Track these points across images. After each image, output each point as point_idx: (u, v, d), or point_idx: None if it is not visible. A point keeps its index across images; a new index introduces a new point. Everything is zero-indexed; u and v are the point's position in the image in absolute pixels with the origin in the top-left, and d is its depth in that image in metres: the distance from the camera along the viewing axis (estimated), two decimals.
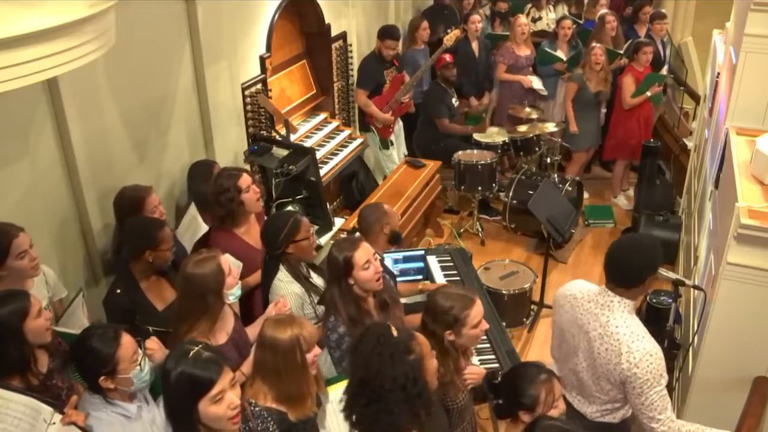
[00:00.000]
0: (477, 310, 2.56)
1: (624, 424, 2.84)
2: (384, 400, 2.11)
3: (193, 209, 3.88)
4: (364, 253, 2.86)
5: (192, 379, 2.01)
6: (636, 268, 2.61)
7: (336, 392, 2.66)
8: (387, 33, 5.80)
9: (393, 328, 2.21)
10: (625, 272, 2.62)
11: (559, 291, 2.89)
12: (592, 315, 2.66)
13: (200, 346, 2.09)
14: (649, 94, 5.91)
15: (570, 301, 2.77)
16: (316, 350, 2.43)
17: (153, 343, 2.66)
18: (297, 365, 2.35)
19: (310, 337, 2.39)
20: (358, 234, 3.55)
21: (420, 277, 4.12)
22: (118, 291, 3.15)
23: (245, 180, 3.52)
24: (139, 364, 2.37)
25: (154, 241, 3.08)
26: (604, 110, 6.42)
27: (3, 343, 2.37)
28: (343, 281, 2.87)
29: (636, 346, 2.54)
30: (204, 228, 3.73)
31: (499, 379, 2.40)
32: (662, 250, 2.70)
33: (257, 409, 2.32)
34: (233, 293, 2.80)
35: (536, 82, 6.58)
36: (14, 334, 2.38)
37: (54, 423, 2.25)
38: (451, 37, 6.05)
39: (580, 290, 2.76)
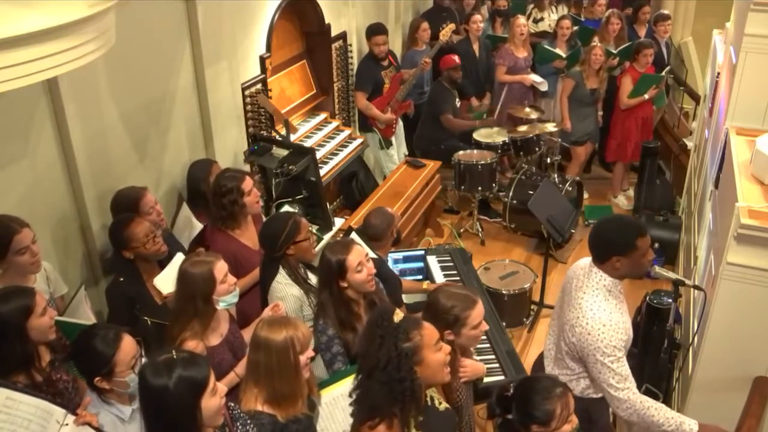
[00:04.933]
0: (478, 311, 2.56)
1: (587, 403, 2.87)
2: (371, 379, 2.16)
3: (186, 210, 3.88)
4: (356, 255, 2.86)
5: (193, 379, 2.00)
6: (604, 244, 2.72)
7: (330, 394, 2.66)
8: (372, 31, 5.81)
9: (399, 312, 2.21)
10: (594, 246, 2.76)
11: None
12: (576, 280, 2.81)
13: (173, 349, 2.07)
14: (647, 96, 5.91)
15: (571, 269, 2.93)
16: (310, 352, 2.44)
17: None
18: (290, 366, 2.36)
19: (304, 339, 2.39)
20: (354, 235, 3.55)
21: (420, 277, 4.12)
22: (122, 279, 3.20)
23: (248, 183, 3.55)
24: (134, 370, 2.34)
25: (122, 240, 3.14)
26: (600, 112, 6.43)
27: (7, 341, 2.37)
28: (334, 285, 2.87)
29: (592, 314, 2.66)
30: (198, 226, 3.74)
31: (511, 391, 2.39)
32: (639, 231, 2.72)
33: (236, 412, 2.32)
34: (225, 300, 2.78)
35: (535, 77, 6.58)
36: (18, 332, 2.38)
37: (67, 424, 2.25)
38: (446, 32, 6.06)
39: (580, 263, 2.90)
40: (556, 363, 2.91)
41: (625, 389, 2.65)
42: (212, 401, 2.03)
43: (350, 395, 2.25)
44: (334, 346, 2.87)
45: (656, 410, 2.65)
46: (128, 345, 2.34)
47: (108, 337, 2.32)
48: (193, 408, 2.00)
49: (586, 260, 2.86)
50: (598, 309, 2.66)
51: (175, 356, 2.02)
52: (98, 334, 2.33)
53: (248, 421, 2.33)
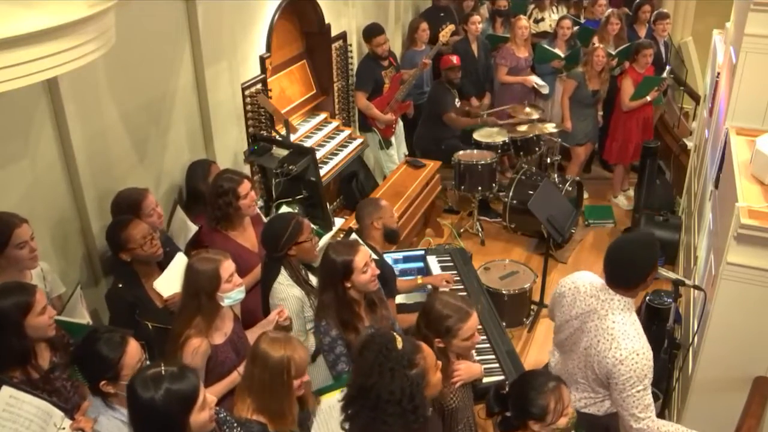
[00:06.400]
0: (471, 323, 2.55)
1: (608, 419, 2.87)
2: (379, 410, 2.13)
3: (180, 212, 3.88)
4: (362, 256, 2.87)
5: (180, 394, 1.97)
6: (636, 270, 2.67)
7: (328, 401, 2.65)
8: (370, 32, 5.81)
9: (399, 338, 2.19)
10: (626, 275, 2.68)
11: (563, 281, 2.94)
12: (592, 309, 2.73)
13: (162, 364, 2.04)
14: (649, 98, 5.92)
15: (573, 293, 2.83)
16: (305, 378, 2.42)
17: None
18: (282, 387, 2.34)
19: (301, 362, 2.37)
20: (354, 236, 3.56)
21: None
22: (120, 285, 3.19)
23: (245, 187, 3.55)
24: None
25: (119, 242, 3.13)
26: (600, 112, 6.43)
27: (3, 336, 2.37)
28: (339, 285, 2.86)
29: (625, 344, 2.60)
30: (194, 228, 3.75)
31: (507, 389, 2.39)
32: (658, 244, 2.74)
33: (222, 416, 2.31)
34: (230, 296, 2.79)
35: (537, 79, 6.60)
36: (15, 328, 2.38)
37: (64, 428, 2.25)
38: (446, 32, 6.07)
39: (584, 284, 2.82)
40: (576, 387, 2.84)
41: (646, 419, 2.61)
42: (201, 415, 2.01)
43: (342, 427, 2.24)
44: (338, 347, 2.86)
45: None
46: (134, 348, 2.34)
47: (114, 340, 2.31)
48: (182, 423, 1.97)
49: (587, 282, 2.80)
50: (629, 336, 2.61)
51: (162, 370, 1.99)
52: (102, 338, 2.31)
53: (234, 425, 2.32)
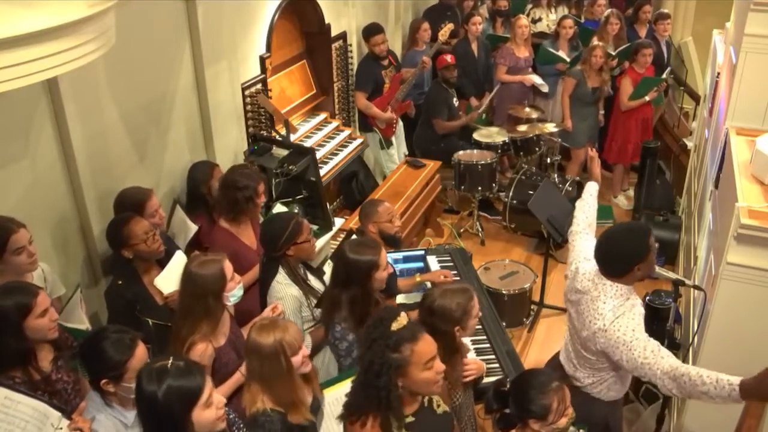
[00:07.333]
0: (476, 298, 2.67)
1: (611, 407, 2.90)
2: (357, 377, 2.20)
3: (179, 212, 3.88)
4: (384, 254, 2.92)
5: (182, 390, 1.97)
6: (622, 258, 2.70)
7: (332, 395, 2.66)
8: (369, 31, 5.81)
9: (402, 320, 2.15)
10: (612, 262, 2.73)
11: (570, 257, 3.03)
12: (587, 290, 2.79)
13: (171, 358, 2.04)
14: (648, 98, 5.92)
15: (574, 270, 2.91)
16: (304, 350, 2.43)
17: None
18: (283, 370, 2.35)
19: (294, 341, 2.38)
20: (354, 237, 3.56)
21: None
22: (120, 282, 3.19)
23: (262, 186, 3.66)
24: None
25: (121, 238, 3.13)
26: (602, 111, 6.43)
27: (1, 336, 2.36)
28: (367, 283, 2.86)
29: (608, 316, 2.65)
30: (194, 228, 3.76)
31: (508, 386, 2.40)
32: (650, 234, 2.74)
33: (231, 416, 2.31)
34: (234, 294, 2.81)
35: (536, 78, 6.60)
36: (13, 328, 2.37)
37: (61, 428, 2.24)
38: (445, 31, 6.08)
39: (584, 267, 2.87)
40: (580, 366, 2.90)
41: (661, 373, 2.48)
42: (205, 414, 2.00)
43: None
44: (355, 350, 2.85)
45: (688, 372, 2.42)
46: (142, 352, 2.34)
47: (124, 341, 2.31)
48: (183, 420, 1.97)
49: (587, 266, 2.85)
50: (614, 314, 2.65)
51: (168, 365, 1.99)
52: (111, 337, 2.31)
53: (242, 426, 2.32)
